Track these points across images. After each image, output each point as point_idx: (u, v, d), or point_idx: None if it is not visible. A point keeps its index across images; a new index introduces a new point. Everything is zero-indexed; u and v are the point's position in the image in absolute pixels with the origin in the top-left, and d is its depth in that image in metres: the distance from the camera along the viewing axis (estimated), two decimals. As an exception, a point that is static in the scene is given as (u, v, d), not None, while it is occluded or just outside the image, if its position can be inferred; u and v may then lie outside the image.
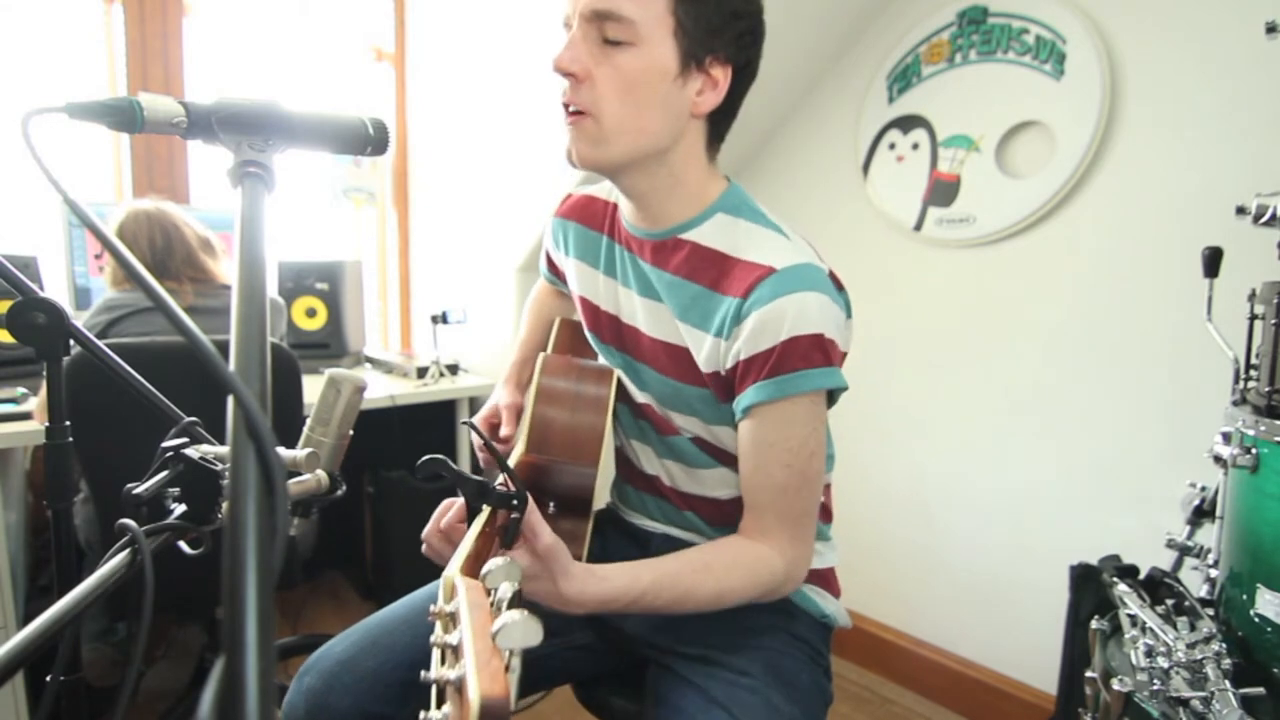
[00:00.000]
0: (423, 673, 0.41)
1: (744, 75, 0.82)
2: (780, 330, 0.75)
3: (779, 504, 0.81)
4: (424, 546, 0.76)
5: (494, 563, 0.45)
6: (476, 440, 0.95)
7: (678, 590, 0.76)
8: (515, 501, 0.65)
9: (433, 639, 0.42)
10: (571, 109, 0.77)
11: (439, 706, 0.39)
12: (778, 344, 0.76)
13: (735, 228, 0.84)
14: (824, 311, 0.77)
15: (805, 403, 0.78)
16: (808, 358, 0.76)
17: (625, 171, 0.82)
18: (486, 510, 0.67)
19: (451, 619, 0.43)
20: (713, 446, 0.90)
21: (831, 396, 0.82)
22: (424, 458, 0.64)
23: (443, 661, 0.41)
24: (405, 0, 2.58)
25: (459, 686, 0.37)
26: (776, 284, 0.76)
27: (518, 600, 0.43)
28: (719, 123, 0.84)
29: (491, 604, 0.43)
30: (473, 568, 0.56)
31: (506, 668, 0.37)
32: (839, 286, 0.82)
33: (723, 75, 0.79)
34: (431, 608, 0.45)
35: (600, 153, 0.78)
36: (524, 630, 0.38)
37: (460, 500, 0.72)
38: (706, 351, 0.82)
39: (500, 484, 0.66)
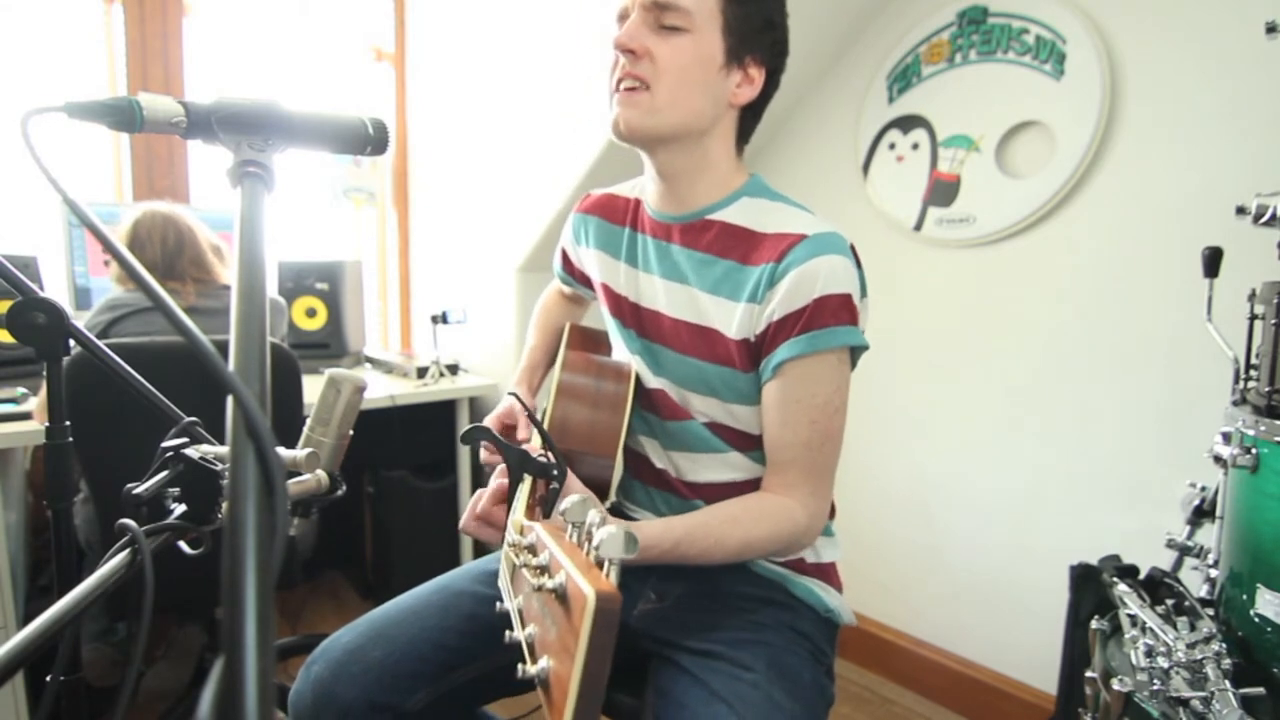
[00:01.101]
0: (497, 604, 0.45)
1: (771, 82, 0.90)
2: (814, 289, 0.81)
3: (803, 459, 0.86)
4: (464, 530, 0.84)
5: (570, 499, 0.48)
6: (501, 413, 0.96)
7: (709, 540, 0.81)
8: (555, 472, 0.68)
9: (518, 562, 0.45)
10: (627, 83, 0.84)
11: (523, 629, 0.43)
12: (810, 302, 0.81)
13: (760, 207, 0.90)
14: (850, 274, 0.83)
15: (832, 360, 0.84)
16: (837, 315, 0.81)
17: (665, 146, 0.87)
18: (528, 483, 0.70)
19: (530, 550, 0.46)
20: (726, 429, 0.92)
21: (853, 358, 0.87)
22: (470, 426, 0.70)
23: (517, 592, 0.44)
24: (405, 0, 2.58)
25: (560, 594, 0.39)
26: (810, 247, 0.82)
27: (606, 523, 0.45)
28: (748, 120, 0.92)
29: (569, 536, 0.46)
30: (531, 518, 0.60)
31: (606, 575, 0.40)
32: (858, 262, 0.87)
33: (758, 74, 0.88)
34: (508, 540, 0.49)
35: (651, 123, 0.84)
36: (624, 542, 0.41)
37: (489, 489, 0.77)
38: (738, 320, 0.86)
39: (539, 455, 0.70)
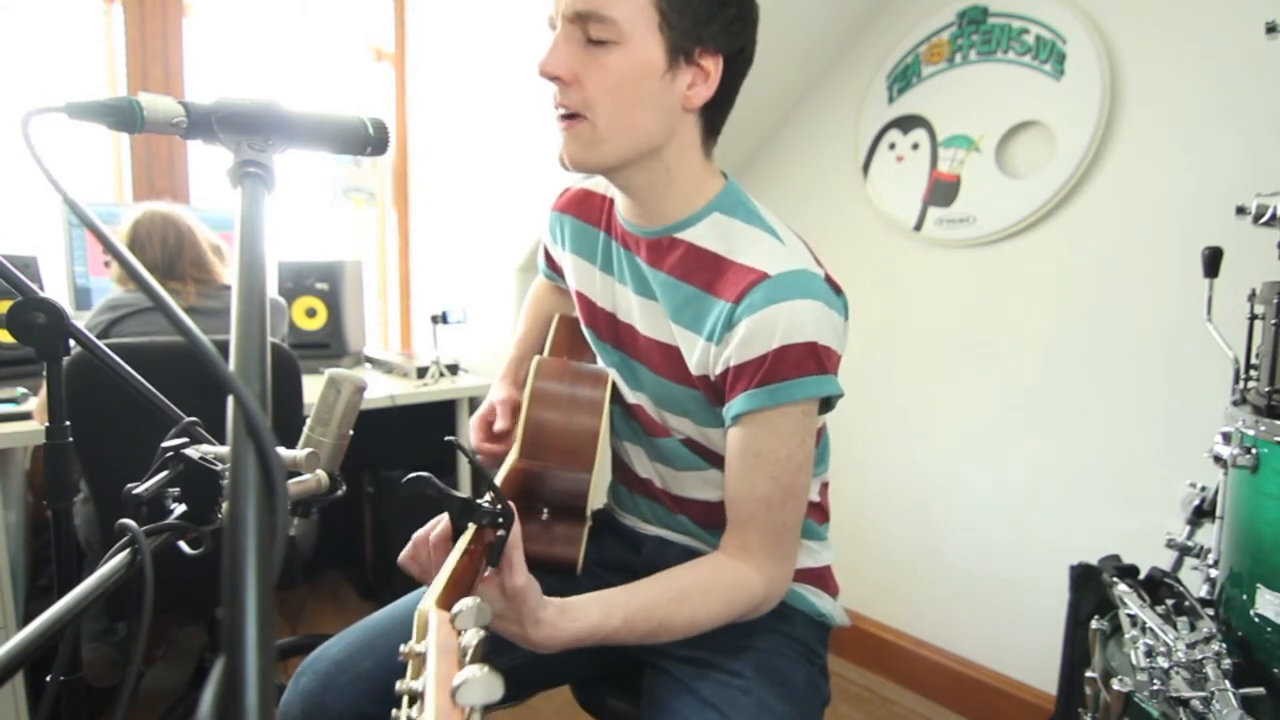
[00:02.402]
0: (394, 711, 0.40)
1: (738, 63, 0.79)
2: (772, 338, 0.74)
3: (762, 518, 0.79)
4: (403, 565, 0.72)
5: (464, 604, 0.44)
6: (484, 412, 0.96)
7: (652, 622, 0.74)
8: (501, 520, 0.63)
9: (398, 686, 0.41)
10: (564, 113, 0.76)
11: None
12: (769, 352, 0.74)
13: (730, 228, 0.82)
14: (818, 319, 0.75)
15: (795, 413, 0.77)
16: (801, 366, 0.75)
17: (620, 171, 0.81)
18: (473, 528, 0.65)
19: (421, 660, 0.42)
20: (704, 448, 0.89)
21: (827, 403, 0.81)
22: (407, 477, 0.63)
23: (410, 703, 0.40)
24: (405, 0, 2.58)
25: None
26: (769, 290, 0.75)
27: (483, 648, 0.42)
28: (714, 116, 0.82)
29: (459, 646, 0.42)
30: (449, 598, 0.54)
31: None
32: (836, 290, 0.80)
33: (713, 66, 0.77)
34: (402, 648, 0.44)
35: (594, 155, 0.77)
36: (485, 687, 0.37)
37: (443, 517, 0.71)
38: (698, 354, 0.81)
39: (488, 500, 0.65)
